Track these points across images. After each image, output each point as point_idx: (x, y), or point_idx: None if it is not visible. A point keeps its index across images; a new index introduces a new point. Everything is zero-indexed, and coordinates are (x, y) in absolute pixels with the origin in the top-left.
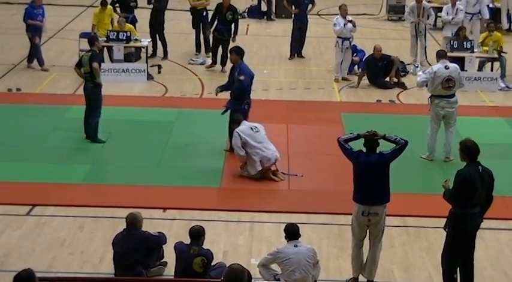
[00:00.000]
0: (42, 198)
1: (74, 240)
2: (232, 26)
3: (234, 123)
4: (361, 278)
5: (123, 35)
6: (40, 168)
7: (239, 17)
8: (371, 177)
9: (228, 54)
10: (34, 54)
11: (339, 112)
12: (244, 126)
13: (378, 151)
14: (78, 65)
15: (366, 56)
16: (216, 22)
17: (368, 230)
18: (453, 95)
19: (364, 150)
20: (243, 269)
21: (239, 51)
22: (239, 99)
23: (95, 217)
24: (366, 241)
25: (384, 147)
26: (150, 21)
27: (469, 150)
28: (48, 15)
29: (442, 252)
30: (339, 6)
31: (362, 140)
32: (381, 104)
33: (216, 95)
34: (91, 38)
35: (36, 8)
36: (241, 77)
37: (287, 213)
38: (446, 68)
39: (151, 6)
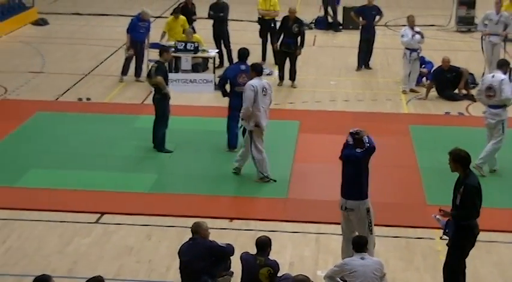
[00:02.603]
0: (111, 206)
1: (142, 248)
2: (299, 38)
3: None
4: None
5: (191, 45)
6: (108, 176)
7: (306, 28)
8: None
9: (296, 69)
10: (128, 65)
11: (406, 124)
12: (258, 83)
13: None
14: (149, 75)
15: (434, 67)
16: (282, 36)
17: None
18: (497, 107)
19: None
20: (308, 280)
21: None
22: None
23: (162, 226)
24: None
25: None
26: (214, 32)
27: (459, 158)
28: (119, 26)
29: (447, 263)
30: (407, 17)
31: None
32: (450, 116)
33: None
34: (161, 48)
35: (141, 21)
36: None
37: None
38: (493, 76)
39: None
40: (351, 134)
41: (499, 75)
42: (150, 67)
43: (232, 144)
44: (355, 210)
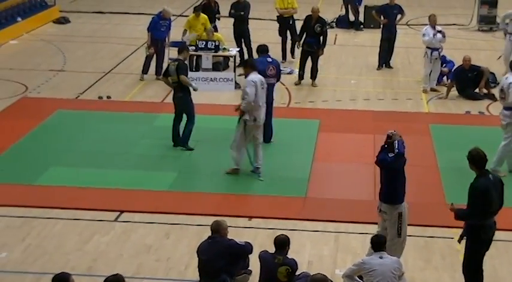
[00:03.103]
0: (130, 204)
1: (160, 246)
2: (321, 38)
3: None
4: None
5: (212, 44)
6: (128, 175)
7: (328, 27)
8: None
9: (318, 68)
10: (149, 63)
11: (427, 123)
12: (257, 78)
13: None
14: (166, 74)
15: (455, 66)
16: (304, 35)
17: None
18: (507, 109)
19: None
20: (326, 279)
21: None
22: None
23: (181, 224)
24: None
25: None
26: (235, 31)
27: (474, 159)
28: (139, 25)
29: (463, 263)
30: (429, 16)
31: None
32: (470, 115)
33: None
34: (181, 46)
35: (162, 19)
36: None
37: (373, 224)
38: (506, 78)
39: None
40: (387, 136)
41: (510, 78)
42: (169, 66)
43: (268, 137)
44: (387, 213)
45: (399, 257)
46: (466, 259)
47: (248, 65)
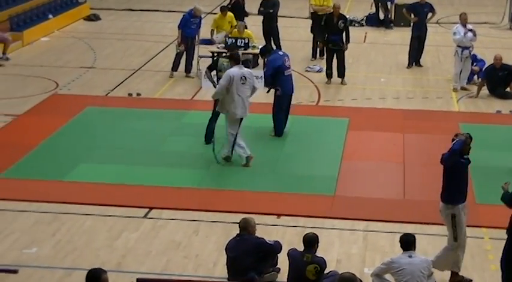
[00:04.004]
0: (159, 201)
1: (189, 243)
2: (344, 34)
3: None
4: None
5: (242, 41)
6: (157, 172)
7: (357, 24)
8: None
9: (345, 65)
10: (179, 60)
11: (457, 122)
12: (236, 72)
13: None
14: (212, 68)
15: (486, 65)
16: (326, 33)
17: None
18: None
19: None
20: (355, 278)
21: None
22: None
23: (210, 221)
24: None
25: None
26: (264, 28)
27: None
28: (168, 22)
29: (502, 255)
30: (459, 14)
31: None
32: (501, 114)
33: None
34: (231, 45)
35: (193, 17)
36: None
37: (402, 223)
38: None
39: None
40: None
41: None
42: (219, 60)
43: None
44: (442, 212)
45: (449, 269)
46: (503, 252)
47: (233, 58)
